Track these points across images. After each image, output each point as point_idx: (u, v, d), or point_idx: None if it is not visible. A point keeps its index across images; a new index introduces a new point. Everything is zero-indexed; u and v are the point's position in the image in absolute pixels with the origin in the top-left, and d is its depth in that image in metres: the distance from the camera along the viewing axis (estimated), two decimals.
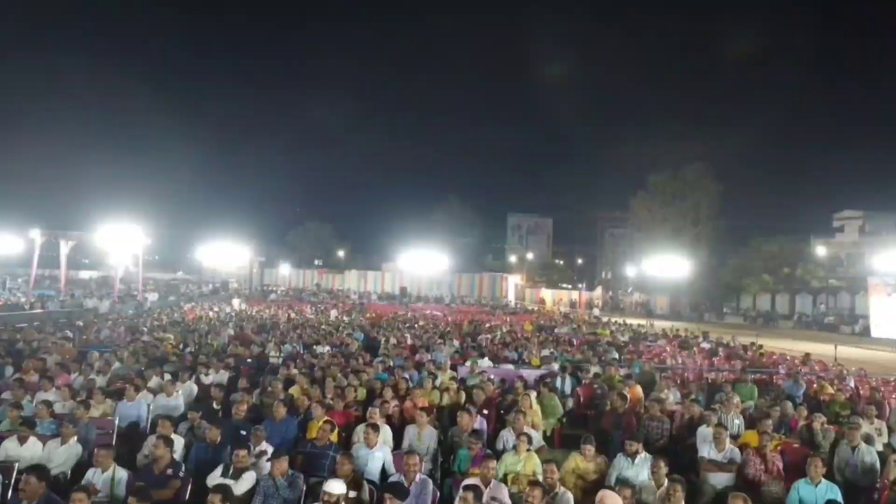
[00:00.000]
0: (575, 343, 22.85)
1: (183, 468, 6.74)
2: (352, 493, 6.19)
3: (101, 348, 16.41)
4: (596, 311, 54.68)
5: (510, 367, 15.99)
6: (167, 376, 12.08)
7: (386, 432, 8.46)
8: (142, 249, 37.53)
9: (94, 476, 6.49)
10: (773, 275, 50.05)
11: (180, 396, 10.88)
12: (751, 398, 12.84)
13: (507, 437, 8.37)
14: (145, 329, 20.24)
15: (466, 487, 5.60)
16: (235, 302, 36.07)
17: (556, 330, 28.85)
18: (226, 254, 56.93)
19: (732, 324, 48.36)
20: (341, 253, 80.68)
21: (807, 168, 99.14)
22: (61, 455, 7.59)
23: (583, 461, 7.51)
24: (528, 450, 7.44)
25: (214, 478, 6.57)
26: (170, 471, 6.62)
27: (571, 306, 59.58)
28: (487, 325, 28.96)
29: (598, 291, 67.89)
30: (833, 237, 57.81)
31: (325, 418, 8.60)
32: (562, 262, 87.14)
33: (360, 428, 8.45)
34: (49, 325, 20.54)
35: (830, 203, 64.27)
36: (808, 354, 19.19)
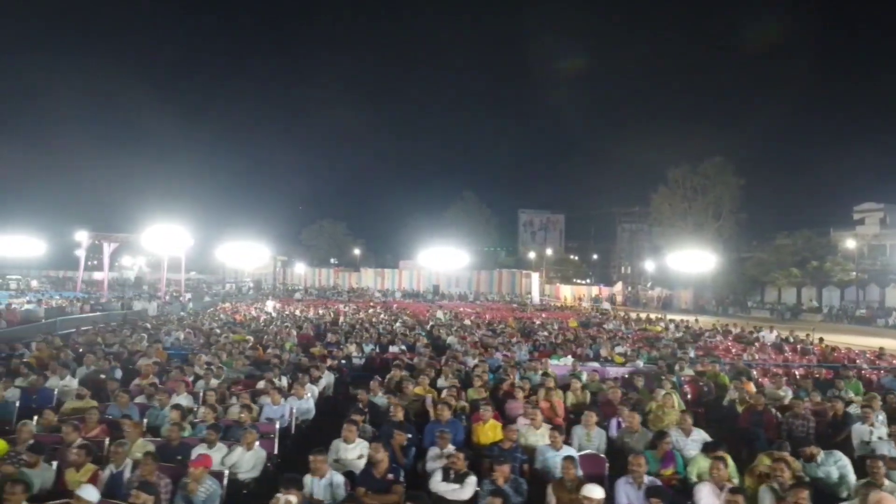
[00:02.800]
0: (630, 339, 22.82)
1: (402, 473, 6.72)
2: None
3: (181, 351, 16.39)
4: (606, 305, 54.67)
5: (596, 364, 15.98)
6: (283, 379, 12.09)
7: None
8: (184, 251, 37.48)
9: (311, 483, 6.45)
10: (801, 268, 50.07)
11: (311, 399, 10.87)
12: (857, 393, 12.79)
13: (677, 438, 8.32)
14: (219, 331, 20.17)
15: (734, 490, 5.60)
16: (269, 304, 35.99)
17: (604, 326, 28.84)
18: (247, 253, 56.79)
19: (759, 318, 48.37)
20: (356, 251, 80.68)
21: (826, 161, 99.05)
22: (249, 460, 7.57)
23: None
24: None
25: (438, 482, 6.54)
26: (391, 475, 6.58)
27: (595, 301, 59.59)
28: (537, 322, 28.92)
29: (619, 286, 67.85)
30: (853, 230, 57.92)
31: (492, 420, 8.58)
32: (576, 258, 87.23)
33: (528, 429, 8.38)
34: (124, 327, 20.47)
35: (850, 196, 64.50)
36: (882, 348, 19.23)
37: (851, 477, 7.22)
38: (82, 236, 31.91)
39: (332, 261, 79.54)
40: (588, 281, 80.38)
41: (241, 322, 26.05)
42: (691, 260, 51.01)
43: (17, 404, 9.81)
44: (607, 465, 7.60)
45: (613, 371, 14.99)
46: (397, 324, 25.42)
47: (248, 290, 55.06)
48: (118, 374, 12.64)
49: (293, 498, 5.55)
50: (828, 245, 53.68)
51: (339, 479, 6.52)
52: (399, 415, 8.74)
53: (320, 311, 33.26)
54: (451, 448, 7.54)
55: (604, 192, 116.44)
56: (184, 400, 10.14)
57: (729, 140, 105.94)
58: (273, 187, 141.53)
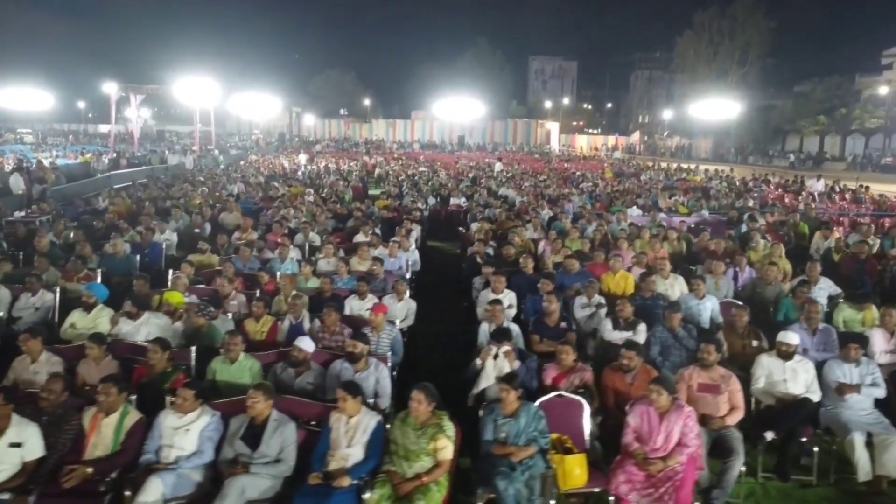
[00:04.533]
0: (680, 190, 22.75)
1: (573, 323, 6.95)
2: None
3: (246, 204, 16.38)
4: (617, 154, 54.56)
5: (663, 215, 16.02)
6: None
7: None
8: (213, 104, 36.41)
9: (489, 329, 6.66)
10: (828, 115, 49.13)
11: (415, 250, 11.04)
12: None
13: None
14: (276, 184, 20.12)
15: None
16: (302, 157, 35.56)
17: (642, 176, 28.81)
18: (259, 105, 55.39)
19: (779, 167, 48.16)
20: (366, 102, 78.68)
21: (856, 2, 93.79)
22: (402, 310, 7.79)
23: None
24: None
25: (610, 331, 6.76)
26: (563, 324, 6.81)
27: (610, 151, 59.17)
28: (577, 173, 28.85)
29: (636, 136, 67.04)
30: (881, 75, 56.23)
31: (622, 270, 8.74)
32: (590, 107, 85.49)
33: (655, 278, 8.50)
34: (179, 181, 20.33)
35: (879, 40, 61.91)
36: None
37: None
38: (111, 88, 30.79)
39: (341, 111, 77.75)
40: (598, 131, 79.23)
41: (282, 174, 26.00)
42: (713, 108, 49.93)
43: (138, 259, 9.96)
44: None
45: (679, 221, 15.03)
46: (441, 175, 25.37)
47: (270, 143, 54.21)
48: (208, 228, 12.74)
49: (507, 347, 5.77)
50: (854, 91, 52.34)
51: (516, 327, 6.73)
52: (530, 266, 8.89)
53: (351, 164, 33.10)
54: (598, 297, 7.74)
55: (621, 38, 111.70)
56: (292, 253, 10.27)
57: None
58: (280, 37, 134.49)
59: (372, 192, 22.40)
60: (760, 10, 55.02)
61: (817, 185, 23.12)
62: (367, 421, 4.64)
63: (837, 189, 23.05)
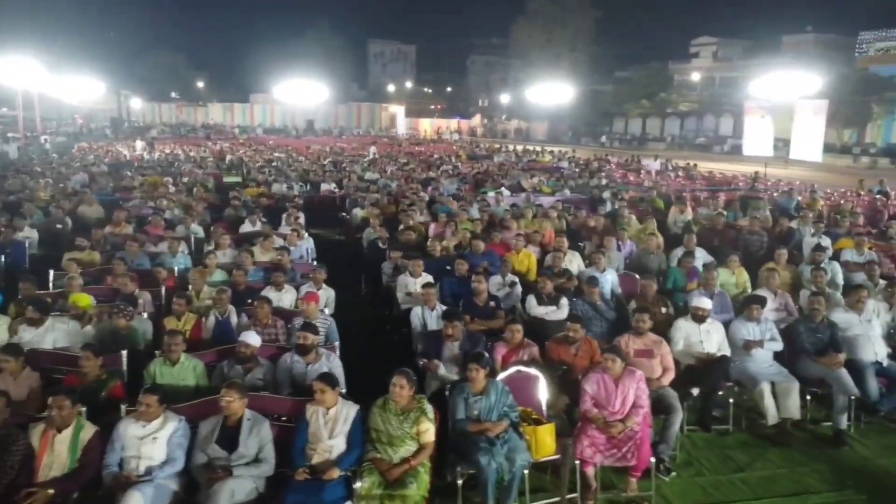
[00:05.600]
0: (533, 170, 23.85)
1: (500, 300, 7.19)
2: None
3: (105, 196, 15.08)
4: (455, 136, 56.36)
5: (530, 195, 16.77)
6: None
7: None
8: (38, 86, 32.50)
9: (423, 314, 6.78)
10: (650, 99, 53.48)
11: (310, 239, 10.83)
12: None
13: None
14: (129, 173, 18.63)
15: (815, 294, 6.67)
16: (139, 143, 33.12)
17: (495, 159, 29.83)
18: (80, 87, 50.51)
19: (609, 148, 51.80)
20: (199, 84, 74.42)
21: None
22: (322, 298, 7.65)
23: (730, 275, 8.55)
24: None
25: (535, 307, 7.09)
26: (492, 303, 7.04)
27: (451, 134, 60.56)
28: (435, 155, 29.31)
29: (477, 119, 69.06)
30: (689, 62, 62.23)
31: (524, 249, 9.16)
32: (430, 91, 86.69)
33: (563, 256, 9.00)
34: (14, 172, 18.15)
35: (688, 29, 68.47)
36: (756, 172, 21.84)
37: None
38: None
39: (172, 94, 72.87)
40: (438, 115, 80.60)
41: (127, 163, 24.19)
42: (548, 92, 52.66)
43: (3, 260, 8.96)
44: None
45: (546, 201, 15.81)
46: (303, 161, 24.80)
47: (95, 128, 49.72)
48: (69, 223, 11.66)
49: (459, 324, 5.92)
50: (669, 77, 57.42)
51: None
52: (438, 249, 9.05)
53: (198, 151, 31.34)
54: (511, 276, 8.07)
55: (457, 23, 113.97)
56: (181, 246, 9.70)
57: None
58: (101, 15, 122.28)
59: (226, 179, 21.25)
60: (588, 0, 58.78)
61: (654, 165, 25.24)
62: (347, 411, 4.61)
63: (671, 167, 25.29)
